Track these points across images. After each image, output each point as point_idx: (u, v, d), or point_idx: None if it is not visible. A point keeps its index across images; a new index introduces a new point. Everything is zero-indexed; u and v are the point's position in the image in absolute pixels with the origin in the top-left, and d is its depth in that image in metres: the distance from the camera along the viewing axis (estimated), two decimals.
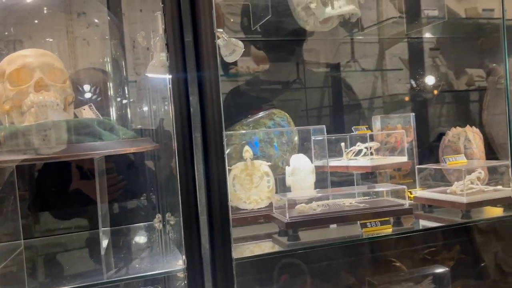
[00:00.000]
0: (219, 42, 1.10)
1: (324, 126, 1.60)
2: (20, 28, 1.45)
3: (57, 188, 1.73)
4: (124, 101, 1.68)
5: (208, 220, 1.09)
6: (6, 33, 1.42)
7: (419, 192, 1.60)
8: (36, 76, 1.22)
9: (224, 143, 1.08)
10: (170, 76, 1.03)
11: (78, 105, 1.40)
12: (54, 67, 1.26)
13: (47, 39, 1.49)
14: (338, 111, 2.25)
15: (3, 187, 1.34)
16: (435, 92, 2.39)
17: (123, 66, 1.71)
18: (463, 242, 2.10)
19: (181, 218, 1.07)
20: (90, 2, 1.78)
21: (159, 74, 1.09)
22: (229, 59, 1.16)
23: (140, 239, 1.66)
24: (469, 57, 2.47)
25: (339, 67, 2.27)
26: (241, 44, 1.16)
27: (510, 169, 1.44)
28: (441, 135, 2.41)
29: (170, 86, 1.04)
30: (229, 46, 1.12)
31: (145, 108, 1.74)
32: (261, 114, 1.76)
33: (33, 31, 1.46)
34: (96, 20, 1.67)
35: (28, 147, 1.15)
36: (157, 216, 1.68)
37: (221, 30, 1.13)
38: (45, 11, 1.51)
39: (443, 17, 2.03)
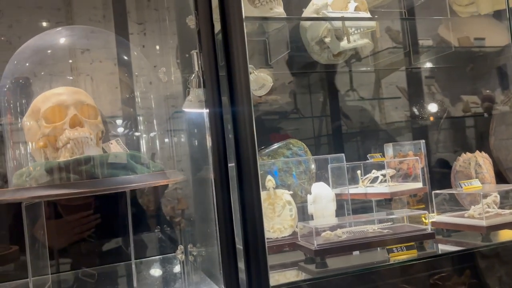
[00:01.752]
0: (249, 77, 1.15)
1: (343, 154, 1.65)
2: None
3: None
4: (138, 134, 1.71)
5: (244, 248, 1.11)
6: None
7: (436, 217, 1.64)
8: (70, 113, 1.26)
9: (259, 172, 1.12)
10: (207, 110, 1.08)
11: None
12: (86, 104, 1.30)
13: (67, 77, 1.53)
14: (337, 139, 2.31)
15: (34, 222, 1.36)
16: (431, 118, 2.47)
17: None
18: (472, 267, 2.12)
19: (219, 248, 1.10)
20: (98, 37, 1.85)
21: (195, 109, 1.14)
22: (258, 93, 1.21)
23: (167, 270, 1.67)
24: (463, 85, 2.56)
25: (338, 96, 2.34)
26: (269, 79, 1.21)
27: None
28: (441, 160, 2.47)
29: (207, 119, 1.09)
30: (259, 80, 1.18)
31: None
32: (276, 144, 1.80)
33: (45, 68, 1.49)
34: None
35: (64, 182, 1.18)
36: (179, 248, 1.69)
37: (252, 66, 1.19)
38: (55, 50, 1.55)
39: (445, 48, 2.12)
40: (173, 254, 1.72)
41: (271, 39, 1.68)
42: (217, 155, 1.09)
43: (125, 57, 1.41)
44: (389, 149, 1.98)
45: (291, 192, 1.58)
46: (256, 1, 1.47)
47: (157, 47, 2.05)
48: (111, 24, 1.99)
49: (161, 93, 1.42)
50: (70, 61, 1.35)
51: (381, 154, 1.86)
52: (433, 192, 1.67)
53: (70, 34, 1.36)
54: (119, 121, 1.44)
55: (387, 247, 1.34)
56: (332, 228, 1.44)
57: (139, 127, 1.43)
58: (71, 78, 1.55)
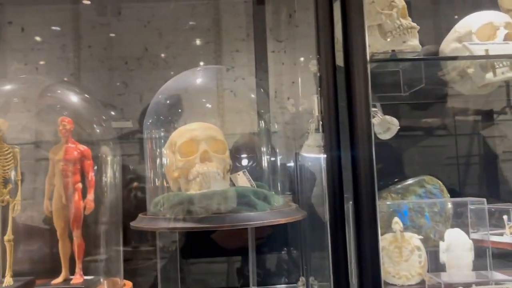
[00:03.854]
0: (373, 120, 1.10)
1: (484, 199, 1.47)
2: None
3: None
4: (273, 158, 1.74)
5: None
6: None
7: None
8: (201, 148, 1.35)
9: (378, 216, 1.06)
10: (325, 155, 1.06)
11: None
12: (216, 139, 1.39)
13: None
14: (490, 162, 2.07)
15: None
16: None
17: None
18: None
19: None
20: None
21: (313, 154, 1.13)
22: (383, 137, 1.15)
23: None
24: None
25: (492, 114, 2.09)
26: (396, 121, 1.15)
27: None
28: None
29: (325, 165, 1.07)
30: (384, 124, 1.12)
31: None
32: (410, 181, 1.69)
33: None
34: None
35: (191, 215, 1.26)
36: (300, 279, 1.69)
37: (376, 109, 1.14)
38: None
39: None
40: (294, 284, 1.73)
41: (405, 70, 1.59)
42: (333, 198, 1.06)
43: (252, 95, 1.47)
44: None
45: (421, 237, 1.46)
46: (388, 33, 1.40)
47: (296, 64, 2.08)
48: (252, 42, 2.07)
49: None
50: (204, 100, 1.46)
51: None
52: None
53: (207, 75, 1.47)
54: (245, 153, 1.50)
55: None
56: (466, 285, 1.29)
57: (264, 158, 1.48)
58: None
